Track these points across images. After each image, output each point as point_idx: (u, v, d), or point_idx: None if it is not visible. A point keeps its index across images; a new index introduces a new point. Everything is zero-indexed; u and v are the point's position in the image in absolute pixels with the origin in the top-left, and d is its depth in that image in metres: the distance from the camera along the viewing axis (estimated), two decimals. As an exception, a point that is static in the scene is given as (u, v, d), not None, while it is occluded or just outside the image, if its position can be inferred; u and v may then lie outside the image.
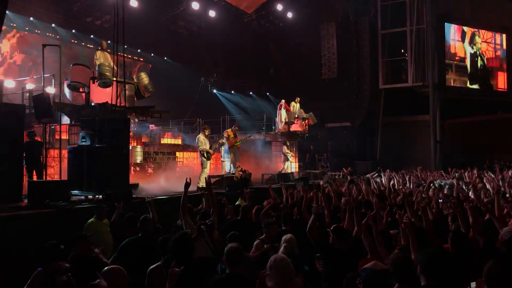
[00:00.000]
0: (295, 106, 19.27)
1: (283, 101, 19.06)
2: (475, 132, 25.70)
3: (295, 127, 19.77)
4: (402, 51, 24.44)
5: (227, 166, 14.98)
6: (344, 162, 21.60)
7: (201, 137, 12.67)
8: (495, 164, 19.94)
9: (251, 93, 26.99)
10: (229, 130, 15.46)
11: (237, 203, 8.85)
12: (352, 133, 25.52)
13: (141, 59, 24.10)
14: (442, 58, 23.46)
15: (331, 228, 5.02)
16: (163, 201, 9.61)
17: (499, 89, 25.86)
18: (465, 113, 26.15)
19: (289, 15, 24.83)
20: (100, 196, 8.94)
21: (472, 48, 25.17)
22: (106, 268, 3.31)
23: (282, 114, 18.81)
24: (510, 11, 24.98)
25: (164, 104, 16.73)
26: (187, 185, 5.41)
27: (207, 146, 12.61)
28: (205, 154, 12.48)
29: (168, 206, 8.81)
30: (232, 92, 26.76)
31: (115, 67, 11.16)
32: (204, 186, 10.66)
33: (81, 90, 11.19)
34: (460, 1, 24.40)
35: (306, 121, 19.90)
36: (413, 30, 23.24)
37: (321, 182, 11.62)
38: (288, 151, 18.40)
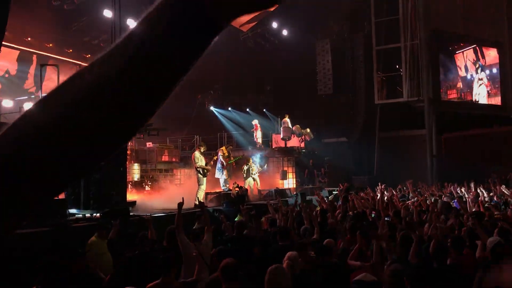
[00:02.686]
0: (288, 122, 19.53)
1: (255, 121, 19.53)
2: (471, 146, 25.85)
3: (292, 143, 19.92)
4: (397, 66, 24.70)
5: (221, 183, 15.06)
6: (342, 177, 21.65)
7: (196, 154, 12.75)
8: (492, 178, 19.99)
9: (248, 109, 27.14)
10: (223, 148, 15.58)
11: (236, 219, 8.90)
12: (348, 149, 25.62)
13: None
14: (436, 73, 23.70)
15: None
16: (162, 218, 9.64)
17: (494, 103, 26.08)
18: (461, 127, 26.32)
19: (284, 32, 25.15)
20: (98, 214, 8.98)
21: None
22: None
23: (257, 135, 19.30)
24: (503, 27, 25.35)
25: (162, 122, 16.84)
26: (181, 204, 5.63)
27: (203, 163, 12.68)
28: (201, 171, 12.55)
29: (166, 223, 8.84)
30: (229, 108, 26.91)
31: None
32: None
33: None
34: (453, 16, 24.73)
35: (303, 137, 20.04)
36: (407, 46, 23.52)
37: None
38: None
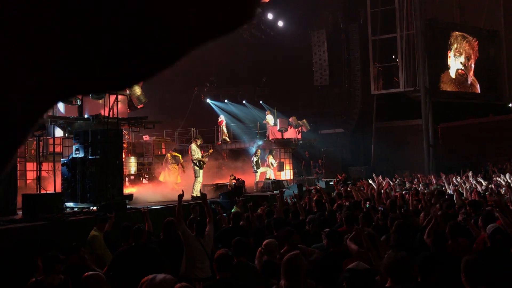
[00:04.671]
0: (269, 118, 19.76)
1: (221, 117, 19.76)
2: (468, 135, 25.95)
3: (288, 135, 19.93)
4: (393, 56, 24.68)
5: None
6: (338, 168, 21.73)
7: (193, 146, 12.76)
8: (488, 167, 20.10)
9: (244, 101, 27.10)
10: (168, 153, 15.72)
11: (232, 210, 8.94)
12: (345, 139, 25.68)
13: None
14: (432, 63, 23.68)
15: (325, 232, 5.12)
16: (159, 211, 9.67)
17: (489, 93, 26.10)
18: (457, 116, 26.42)
19: (280, 23, 25.07)
20: (95, 207, 9.00)
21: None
22: (87, 274, 3.41)
23: (221, 131, 19.51)
24: (498, 16, 25.32)
25: (158, 115, 16.83)
26: (181, 196, 5.69)
27: (200, 155, 12.71)
28: (197, 163, 12.58)
29: (163, 215, 8.87)
30: (226, 101, 26.85)
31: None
32: (198, 195, 10.82)
33: (73, 102, 11.27)
34: (448, 6, 24.71)
35: (299, 128, 20.05)
36: (403, 36, 23.50)
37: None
38: (272, 161, 18.48)
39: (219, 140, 19.85)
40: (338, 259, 4.18)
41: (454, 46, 25.01)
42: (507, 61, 25.46)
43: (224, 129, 19.92)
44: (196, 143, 12.86)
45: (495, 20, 25.45)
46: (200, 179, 12.62)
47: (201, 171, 12.74)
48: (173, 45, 0.31)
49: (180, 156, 15.66)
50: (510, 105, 26.78)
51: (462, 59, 25.25)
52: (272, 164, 18.14)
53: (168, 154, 15.69)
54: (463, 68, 25.34)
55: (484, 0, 25.13)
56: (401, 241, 4.74)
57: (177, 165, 15.39)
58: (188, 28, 0.29)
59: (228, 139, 19.74)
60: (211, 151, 13.94)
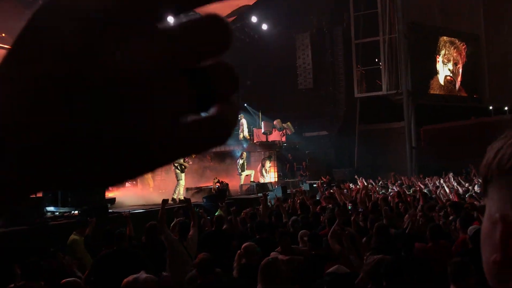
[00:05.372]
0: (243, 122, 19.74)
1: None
2: (450, 138, 26.31)
3: (273, 137, 19.98)
4: (376, 60, 24.90)
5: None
6: (323, 171, 21.83)
7: None
8: (469, 169, 20.35)
9: (228, 104, 27.09)
10: None
11: (216, 214, 8.91)
12: (329, 142, 25.81)
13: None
14: (416, 66, 23.94)
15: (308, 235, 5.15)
16: (141, 214, 9.60)
17: (471, 95, 26.49)
18: (439, 119, 26.76)
19: (264, 26, 25.13)
20: (76, 212, 8.90)
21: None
22: (64, 280, 3.38)
23: None
24: (479, 19, 25.73)
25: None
26: (165, 201, 5.76)
27: (181, 159, 12.63)
28: (178, 167, 12.57)
29: (145, 219, 8.80)
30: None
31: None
32: (181, 198, 10.82)
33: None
34: (430, 10, 25.01)
35: (284, 131, 20.12)
36: (386, 39, 23.72)
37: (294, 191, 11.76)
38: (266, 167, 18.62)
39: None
40: (320, 262, 4.19)
41: (443, 52, 25.37)
42: (488, 64, 25.88)
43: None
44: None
45: (476, 24, 25.86)
46: (182, 182, 12.60)
47: (183, 174, 12.70)
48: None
49: None
50: (491, 107, 27.24)
51: (450, 65, 25.63)
52: (266, 171, 18.27)
53: None
54: (451, 75, 25.72)
55: (465, 4, 25.50)
56: (381, 244, 4.77)
57: None
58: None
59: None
60: (193, 156, 13.83)
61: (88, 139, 0.24)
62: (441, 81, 25.39)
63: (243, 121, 19.05)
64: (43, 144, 0.24)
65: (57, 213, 9.07)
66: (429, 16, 24.93)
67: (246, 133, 18.15)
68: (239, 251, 4.59)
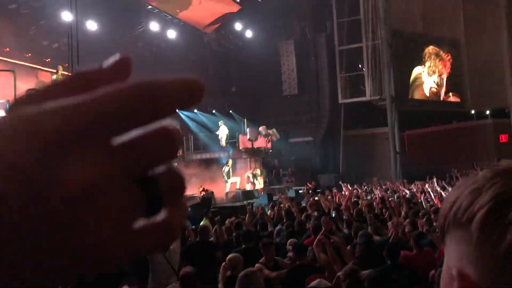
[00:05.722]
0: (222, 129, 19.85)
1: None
2: (433, 142, 26.62)
3: (258, 144, 19.98)
4: (360, 66, 25.12)
5: None
6: (308, 176, 21.89)
7: None
8: (453, 173, 20.59)
9: (214, 111, 27.04)
10: None
11: (201, 223, 8.86)
12: (314, 148, 25.93)
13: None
14: (397, 72, 24.19)
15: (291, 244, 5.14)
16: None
17: (452, 100, 26.85)
18: (422, 124, 27.10)
19: (248, 34, 25.25)
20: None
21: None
22: None
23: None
24: (459, 25, 26.14)
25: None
26: None
27: None
28: None
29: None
30: (195, 111, 26.73)
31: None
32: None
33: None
34: (412, 16, 25.34)
35: (269, 137, 20.14)
36: (369, 46, 23.96)
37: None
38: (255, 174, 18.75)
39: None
40: (304, 273, 4.19)
41: (428, 63, 25.70)
42: (468, 69, 26.27)
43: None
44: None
45: (456, 29, 26.26)
46: None
47: None
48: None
49: None
50: (472, 112, 27.65)
51: (435, 78, 25.98)
52: (253, 177, 18.35)
53: None
54: (436, 87, 26.06)
55: (446, 10, 25.89)
56: (366, 252, 4.79)
57: None
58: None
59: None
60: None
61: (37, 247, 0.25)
62: (426, 92, 25.72)
63: (222, 129, 19.09)
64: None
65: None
66: (411, 23, 25.26)
67: (224, 141, 18.18)
68: (224, 263, 4.56)
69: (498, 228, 0.48)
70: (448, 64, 26.30)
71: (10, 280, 0.26)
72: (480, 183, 0.52)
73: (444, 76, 26.36)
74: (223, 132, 19.51)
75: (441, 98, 26.42)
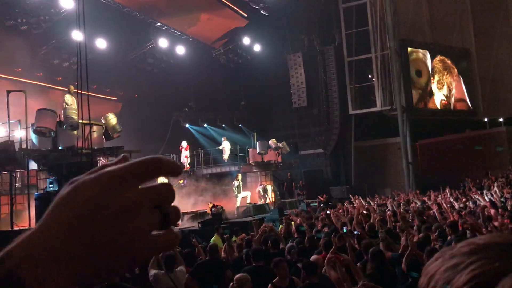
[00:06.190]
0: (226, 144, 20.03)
1: (184, 142, 20.01)
2: (445, 151, 26.31)
3: (268, 157, 19.92)
4: (370, 76, 25.02)
5: None
6: (320, 189, 21.74)
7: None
8: (466, 183, 20.27)
9: (223, 125, 27.11)
10: None
11: (212, 239, 8.80)
12: (325, 160, 25.78)
13: (113, 98, 24.08)
14: (407, 81, 24.04)
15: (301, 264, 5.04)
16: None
17: (464, 108, 26.56)
18: (434, 133, 26.81)
19: (256, 47, 25.36)
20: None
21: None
22: None
23: (183, 154, 19.91)
24: (469, 34, 25.96)
25: (136, 143, 16.67)
26: None
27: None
28: None
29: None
30: (205, 125, 26.82)
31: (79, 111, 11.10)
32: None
33: (47, 135, 11.07)
34: (420, 25, 25.25)
35: (279, 150, 20.08)
36: (378, 56, 23.87)
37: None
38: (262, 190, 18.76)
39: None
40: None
41: (436, 77, 25.56)
42: (480, 78, 26.02)
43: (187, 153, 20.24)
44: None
45: (466, 38, 26.08)
46: None
47: None
48: None
49: None
50: (485, 119, 27.31)
51: (444, 91, 25.81)
52: (264, 191, 18.43)
53: None
54: (445, 99, 25.87)
55: (455, 19, 25.75)
56: (377, 269, 4.68)
57: None
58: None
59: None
60: (180, 181, 14.10)
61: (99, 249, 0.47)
62: (438, 104, 25.55)
63: (224, 144, 19.12)
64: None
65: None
66: (420, 31, 25.16)
67: (226, 155, 18.31)
68: (231, 284, 4.48)
69: None
70: (456, 74, 26.08)
71: (94, 277, 0.47)
72: (457, 260, 0.49)
73: (453, 86, 26.11)
74: (226, 147, 19.52)
75: (452, 108, 26.17)
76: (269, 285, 4.83)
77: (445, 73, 25.77)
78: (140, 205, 0.48)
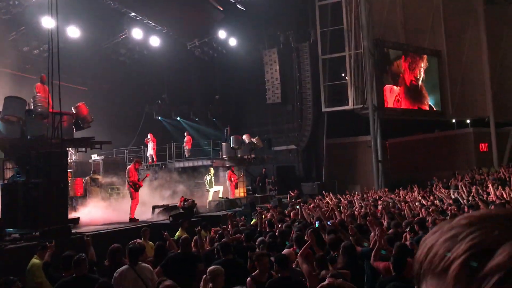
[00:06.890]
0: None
1: (149, 135, 20.08)
2: (415, 151, 26.91)
3: (242, 152, 19.94)
4: (343, 75, 25.28)
5: None
6: (291, 185, 21.89)
7: (131, 168, 12.73)
8: (434, 182, 20.75)
9: (197, 119, 26.97)
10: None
11: (176, 234, 8.75)
12: (298, 156, 25.98)
13: (84, 88, 23.59)
14: (379, 81, 24.41)
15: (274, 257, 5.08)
16: (104, 235, 9.34)
17: (434, 109, 27.15)
18: (404, 132, 27.37)
19: (232, 42, 25.27)
20: (37, 233, 8.58)
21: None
22: None
23: (149, 146, 19.99)
24: (441, 36, 26.53)
25: (107, 134, 16.39)
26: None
27: (135, 178, 12.72)
28: (133, 186, 12.54)
29: (112, 239, 8.56)
30: (178, 118, 26.61)
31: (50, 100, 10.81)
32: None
33: (15, 123, 10.75)
34: (394, 26, 25.64)
35: (253, 146, 20.11)
36: (352, 55, 24.14)
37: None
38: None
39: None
40: (285, 286, 4.14)
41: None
42: (450, 80, 26.63)
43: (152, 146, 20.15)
44: (135, 166, 12.86)
45: (438, 40, 26.64)
46: (136, 201, 12.60)
47: (137, 193, 12.67)
48: None
49: (100, 177, 15.98)
50: (453, 121, 28.04)
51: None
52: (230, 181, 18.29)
53: (88, 177, 15.59)
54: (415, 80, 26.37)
55: (427, 21, 26.27)
56: (348, 263, 4.76)
57: (98, 187, 15.46)
58: None
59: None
60: (147, 175, 14.16)
61: None
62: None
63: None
64: None
65: (18, 235, 8.72)
66: (393, 32, 25.55)
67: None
68: (205, 276, 4.48)
69: (473, 280, 0.46)
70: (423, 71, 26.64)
71: None
72: (456, 231, 0.50)
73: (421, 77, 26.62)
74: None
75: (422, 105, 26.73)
76: (248, 278, 4.84)
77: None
78: None
